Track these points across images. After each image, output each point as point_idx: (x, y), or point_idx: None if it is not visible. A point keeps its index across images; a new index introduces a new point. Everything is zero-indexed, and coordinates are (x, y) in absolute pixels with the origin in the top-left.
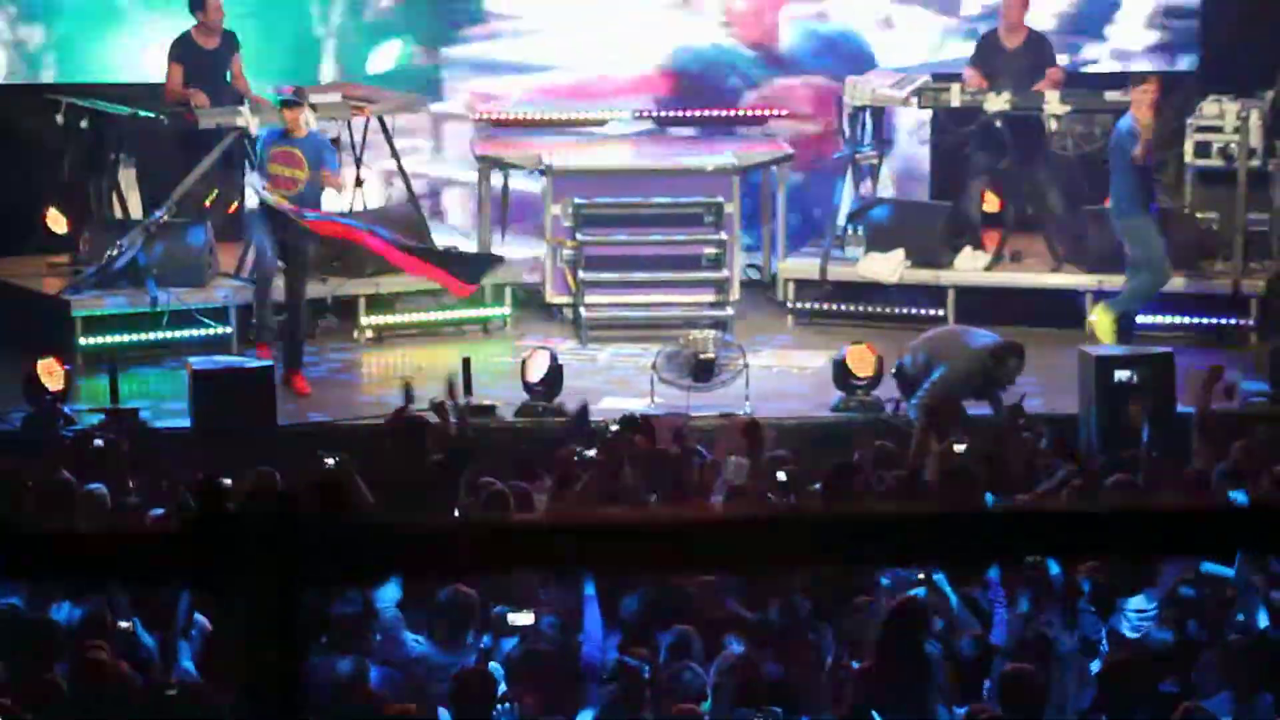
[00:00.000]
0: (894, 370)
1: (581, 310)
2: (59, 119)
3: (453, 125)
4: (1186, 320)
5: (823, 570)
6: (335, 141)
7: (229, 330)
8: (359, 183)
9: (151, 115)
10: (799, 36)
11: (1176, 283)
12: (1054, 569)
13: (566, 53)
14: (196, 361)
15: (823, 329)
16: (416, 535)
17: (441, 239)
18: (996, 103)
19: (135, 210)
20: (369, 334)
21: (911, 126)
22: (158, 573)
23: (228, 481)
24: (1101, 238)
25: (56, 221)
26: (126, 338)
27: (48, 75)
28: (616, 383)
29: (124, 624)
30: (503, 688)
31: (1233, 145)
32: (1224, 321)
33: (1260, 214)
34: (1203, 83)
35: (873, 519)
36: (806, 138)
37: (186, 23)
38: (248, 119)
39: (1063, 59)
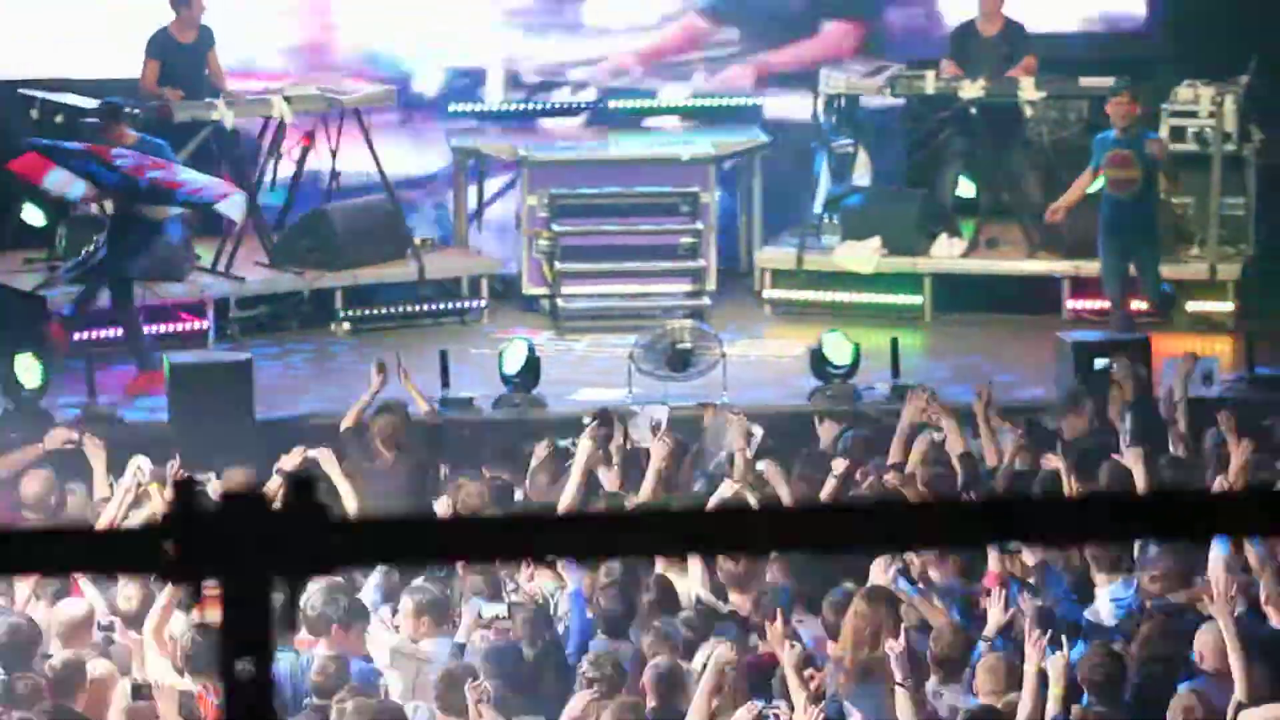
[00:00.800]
0: None
1: (558, 301)
2: (33, 114)
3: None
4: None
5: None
6: (309, 136)
7: (206, 324)
8: (334, 176)
9: (126, 108)
10: None
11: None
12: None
13: None
14: (174, 355)
15: (799, 318)
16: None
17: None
18: (971, 90)
19: (111, 206)
20: (346, 326)
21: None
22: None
23: (205, 477)
24: (1077, 224)
25: (33, 216)
26: (103, 333)
27: (20, 71)
28: (594, 373)
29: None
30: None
31: (1208, 130)
32: (1200, 307)
33: (1235, 199)
34: (1177, 67)
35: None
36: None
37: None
38: (223, 113)
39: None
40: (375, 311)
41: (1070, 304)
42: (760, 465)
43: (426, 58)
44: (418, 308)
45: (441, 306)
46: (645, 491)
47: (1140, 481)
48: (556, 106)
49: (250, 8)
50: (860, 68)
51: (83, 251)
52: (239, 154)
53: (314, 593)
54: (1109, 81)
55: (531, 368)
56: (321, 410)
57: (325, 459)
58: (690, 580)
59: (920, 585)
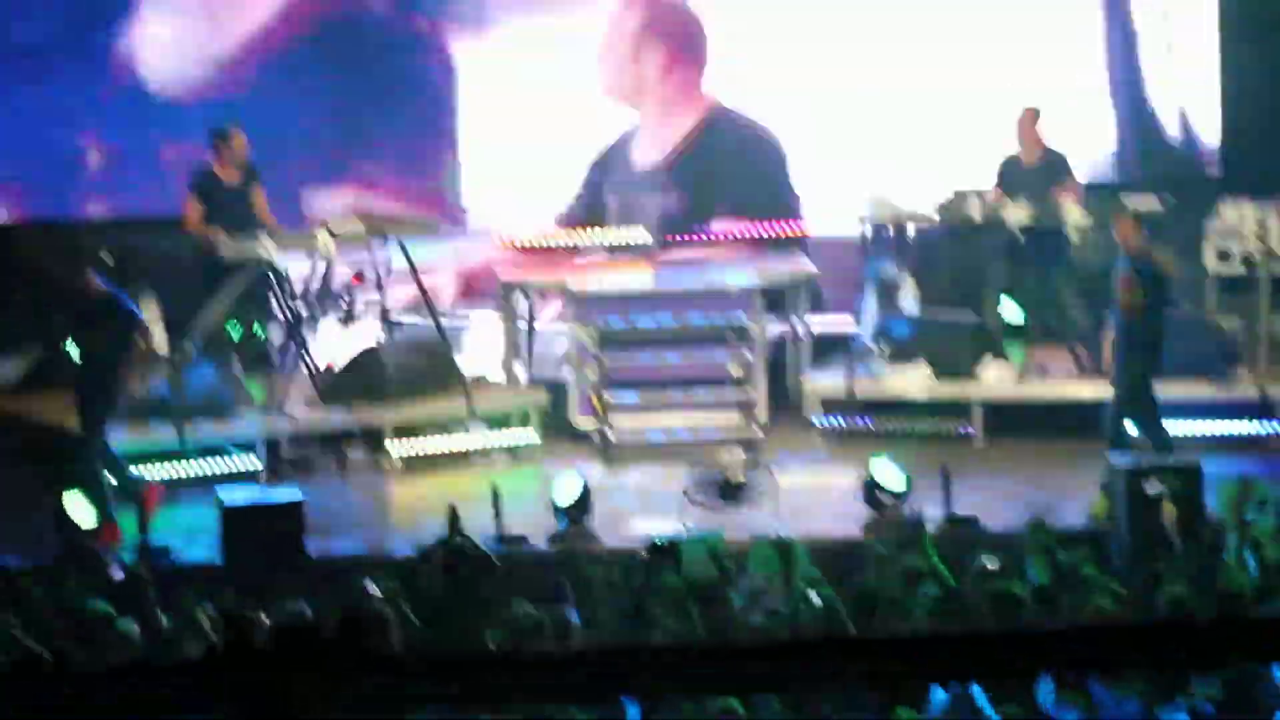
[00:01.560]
0: None
1: (608, 434)
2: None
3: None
4: (1213, 428)
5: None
6: (359, 275)
7: (258, 464)
8: (384, 314)
9: (173, 245)
10: None
11: (1202, 391)
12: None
13: None
14: (226, 495)
15: (851, 446)
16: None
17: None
18: (1017, 215)
19: (160, 344)
20: (397, 463)
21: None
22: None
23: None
24: None
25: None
26: (155, 472)
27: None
28: (646, 506)
29: None
30: None
31: (1253, 250)
32: (1251, 429)
33: None
34: (1222, 187)
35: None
36: None
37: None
38: (269, 250)
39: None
40: (426, 447)
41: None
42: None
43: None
44: (468, 442)
45: (492, 441)
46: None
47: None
48: (604, 241)
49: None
50: (907, 195)
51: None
52: (289, 292)
53: None
54: (1153, 201)
55: (583, 501)
56: (373, 546)
57: (394, 596)
58: None
59: None
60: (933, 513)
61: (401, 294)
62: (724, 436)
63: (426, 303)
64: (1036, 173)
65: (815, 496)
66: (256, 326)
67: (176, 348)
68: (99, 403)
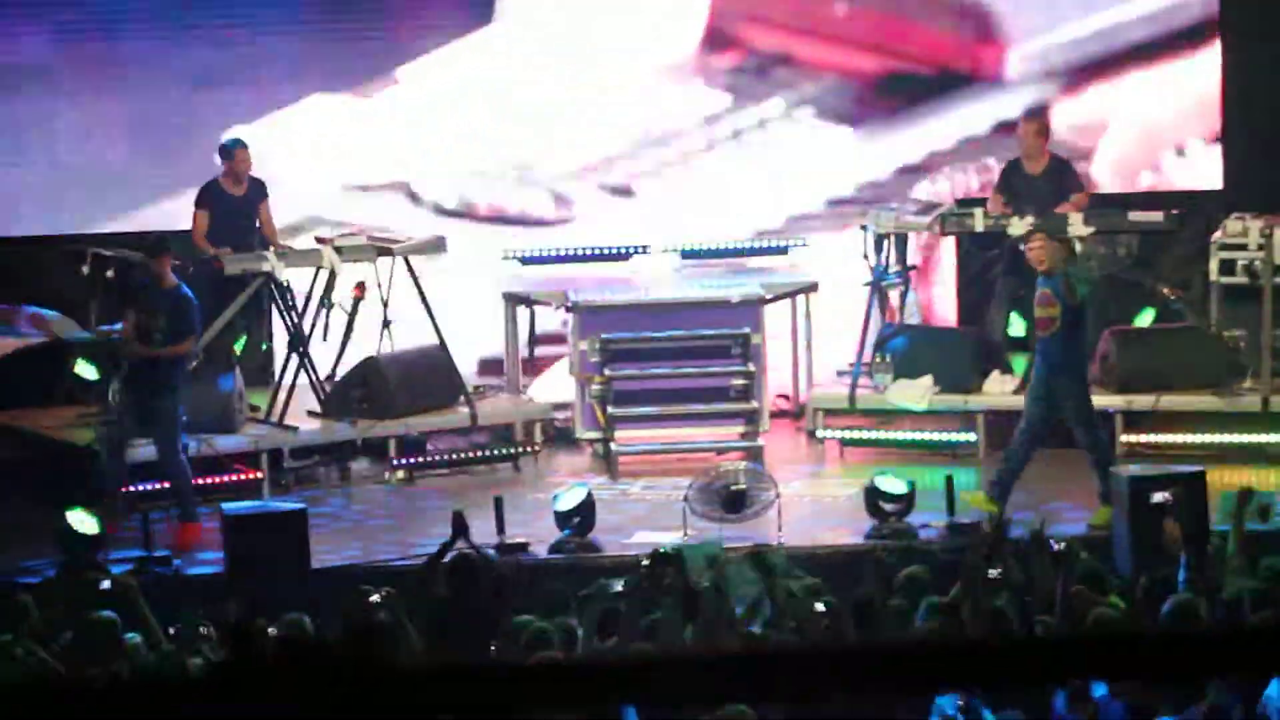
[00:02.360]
0: None
1: (612, 445)
2: (84, 269)
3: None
4: (1217, 439)
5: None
6: (360, 286)
7: (260, 475)
8: (386, 324)
9: (178, 263)
10: None
11: (1207, 401)
12: (1099, 691)
13: None
14: (229, 506)
15: (853, 456)
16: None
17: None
18: (1020, 227)
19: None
20: (399, 474)
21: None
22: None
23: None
24: (1128, 358)
25: (85, 371)
26: (158, 485)
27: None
28: (649, 517)
29: None
30: None
31: (1257, 262)
32: (1254, 439)
33: None
34: (1225, 200)
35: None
36: None
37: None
38: (273, 264)
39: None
40: (429, 459)
41: (1124, 438)
42: (818, 605)
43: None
44: (471, 454)
45: (495, 452)
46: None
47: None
48: (604, 251)
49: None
50: (909, 206)
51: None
52: (291, 304)
53: None
54: (1158, 216)
55: (586, 512)
56: (376, 558)
57: (396, 605)
58: None
59: None
60: (937, 523)
61: (404, 305)
62: (726, 447)
63: (429, 314)
64: (1042, 181)
65: (817, 506)
66: (259, 339)
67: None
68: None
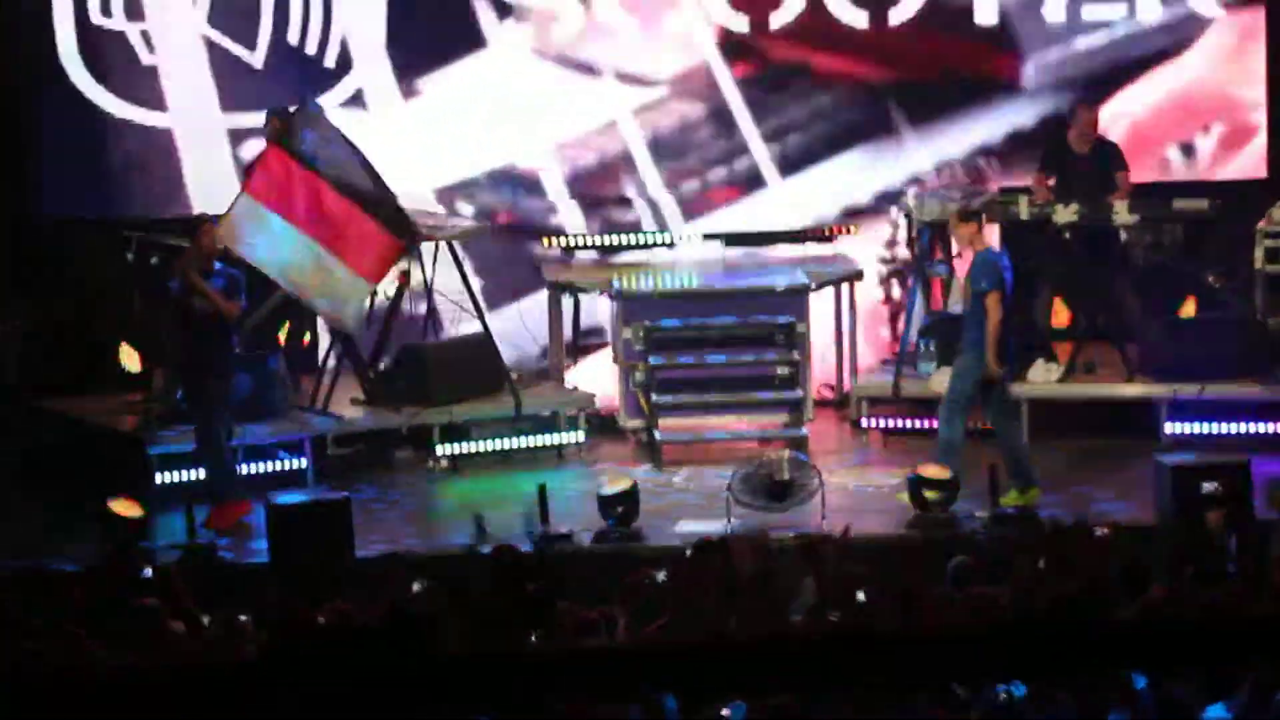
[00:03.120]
0: None
1: (655, 434)
2: (129, 256)
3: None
4: (1262, 428)
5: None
6: (404, 274)
7: (304, 462)
8: (430, 312)
9: (222, 249)
10: None
11: (1251, 390)
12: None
13: None
14: (273, 495)
15: (897, 446)
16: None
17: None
18: (1065, 214)
19: None
20: (444, 463)
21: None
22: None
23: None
24: (1172, 346)
25: (129, 358)
26: (201, 474)
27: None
28: (693, 505)
29: None
30: None
31: None
32: None
33: None
34: (1271, 188)
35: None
36: None
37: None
38: None
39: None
40: (473, 447)
41: (1169, 427)
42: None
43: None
44: (515, 442)
45: (539, 441)
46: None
47: None
48: (648, 240)
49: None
50: (954, 192)
51: (179, 392)
52: None
53: None
54: (1203, 204)
55: (630, 501)
56: (419, 546)
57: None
58: None
59: None
60: (980, 513)
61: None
62: (770, 436)
63: (473, 302)
64: (1088, 162)
65: (860, 495)
66: (301, 327)
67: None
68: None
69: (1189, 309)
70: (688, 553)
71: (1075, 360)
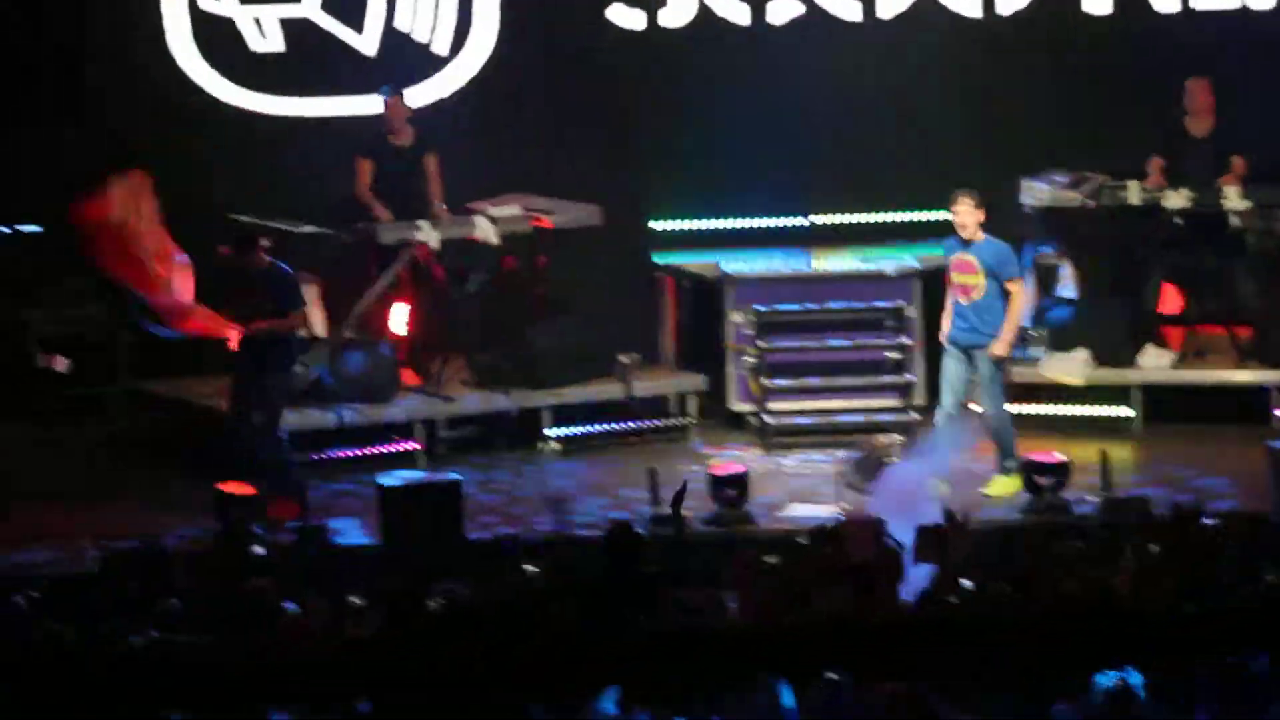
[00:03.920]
0: None
1: (766, 418)
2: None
3: None
4: None
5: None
6: (512, 258)
7: (416, 445)
8: (538, 296)
9: (331, 233)
10: None
11: None
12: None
13: None
14: (385, 477)
15: None
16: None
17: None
18: (1176, 199)
19: (319, 328)
20: (555, 445)
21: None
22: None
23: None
24: None
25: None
26: (314, 456)
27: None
28: (803, 489)
29: None
30: None
31: None
32: None
33: None
34: None
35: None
36: None
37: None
38: (428, 234)
39: None
40: (584, 430)
41: None
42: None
43: None
44: (626, 425)
45: (649, 424)
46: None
47: None
48: (757, 227)
49: None
50: (1063, 179)
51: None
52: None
53: None
54: None
55: (741, 484)
56: (531, 530)
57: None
58: None
59: None
60: (1092, 498)
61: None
62: (881, 421)
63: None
64: (1205, 144)
65: (969, 480)
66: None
67: (336, 331)
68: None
69: None
70: (800, 539)
71: (1187, 346)
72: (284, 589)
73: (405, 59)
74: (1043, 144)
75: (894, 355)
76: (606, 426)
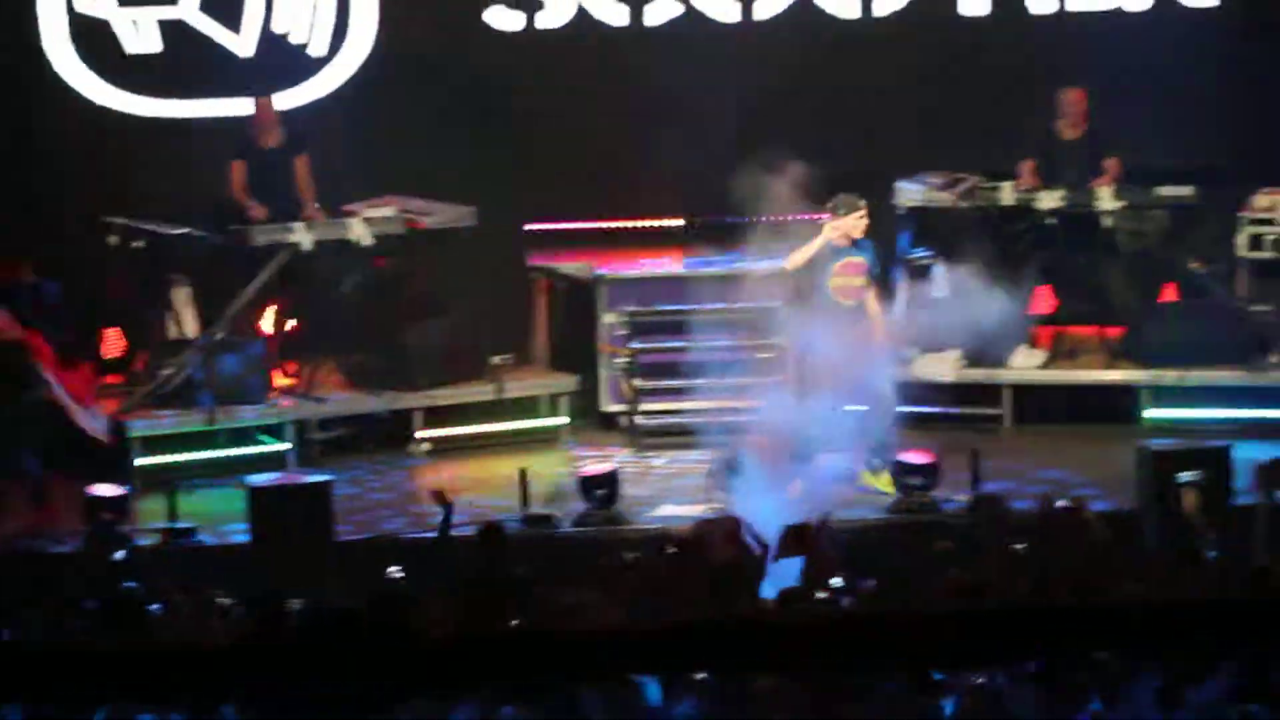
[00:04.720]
0: None
1: (636, 418)
2: (113, 240)
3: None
4: (1244, 414)
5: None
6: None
7: (286, 446)
8: (412, 298)
9: (204, 236)
10: None
11: (1233, 376)
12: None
13: None
14: (253, 478)
15: None
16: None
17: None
18: (1049, 200)
19: (190, 329)
20: (425, 446)
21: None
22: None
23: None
24: (1154, 332)
25: (112, 342)
26: (183, 457)
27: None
28: (673, 489)
29: None
30: None
31: None
32: None
33: None
34: (1253, 176)
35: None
36: None
37: None
38: (300, 236)
39: None
40: (454, 431)
41: (1150, 413)
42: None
43: None
44: (497, 427)
45: (520, 425)
46: None
47: None
48: (628, 226)
49: None
50: (936, 180)
51: (161, 375)
52: (313, 272)
53: None
54: (1188, 191)
55: (611, 485)
56: (400, 531)
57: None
58: None
59: None
60: (961, 497)
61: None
62: (751, 420)
63: (454, 288)
64: (1077, 148)
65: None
66: (286, 311)
67: (207, 332)
68: None
69: (1171, 295)
70: (662, 544)
71: (1058, 346)
72: (150, 590)
73: (282, 60)
74: (916, 145)
75: (765, 355)
76: (477, 428)
